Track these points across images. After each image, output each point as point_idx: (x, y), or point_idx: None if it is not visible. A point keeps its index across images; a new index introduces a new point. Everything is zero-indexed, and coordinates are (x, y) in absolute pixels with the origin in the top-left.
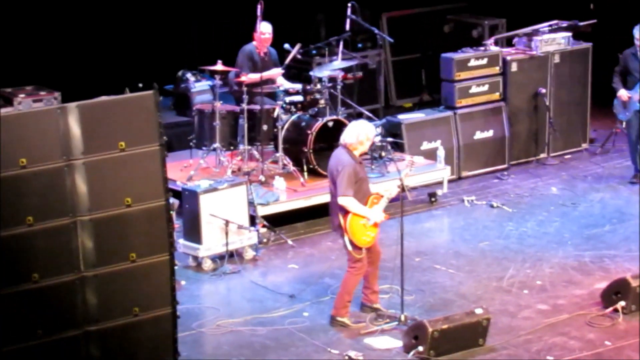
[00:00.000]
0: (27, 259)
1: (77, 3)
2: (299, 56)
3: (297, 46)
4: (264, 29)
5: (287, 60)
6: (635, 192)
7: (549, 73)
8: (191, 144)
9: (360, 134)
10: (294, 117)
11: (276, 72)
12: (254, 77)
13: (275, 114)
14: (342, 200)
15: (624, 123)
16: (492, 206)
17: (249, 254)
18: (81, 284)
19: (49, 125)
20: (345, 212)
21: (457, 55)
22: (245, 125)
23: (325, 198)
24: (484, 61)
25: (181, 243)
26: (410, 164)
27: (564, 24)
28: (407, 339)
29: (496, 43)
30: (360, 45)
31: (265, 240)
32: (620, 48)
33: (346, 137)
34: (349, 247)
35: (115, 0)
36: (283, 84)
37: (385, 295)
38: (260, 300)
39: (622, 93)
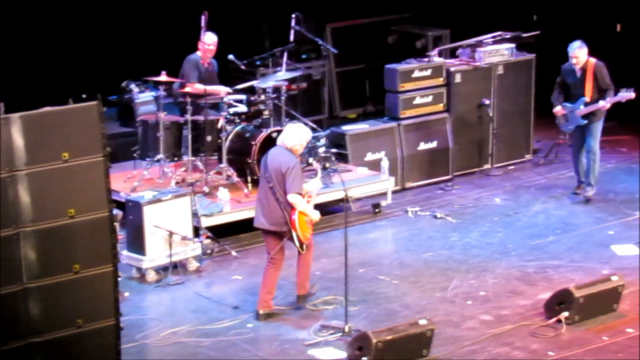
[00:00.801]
0: None
1: (19, 13)
2: (242, 67)
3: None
4: (209, 40)
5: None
6: (578, 203)
7: (493, 84)
8: (135, 154)
9: (303, 139)
10: (238, 128)
11: (222, 90)
12: (199, 88)
13: (220, 125)
14: (294, 198)
15: (567, 135)
16: (436, 217)
17: (193, 265)
18: (24, 295)
19: None
20: (292, 209)
21: (401, 66)
22: (190, 136)
23: None
24: (428, 72)
25: (125, 254)
26: None
27: (508, 35)
28: (351, 350)
29: (440, 54)
30: (304, 56)
31: (209, 251)
32: (563, 59)
33: (288, 140)
34: (297, 243)
35: (58, 10)
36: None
37: (329, 306)
38: (204, 311)
39: (558, 110)
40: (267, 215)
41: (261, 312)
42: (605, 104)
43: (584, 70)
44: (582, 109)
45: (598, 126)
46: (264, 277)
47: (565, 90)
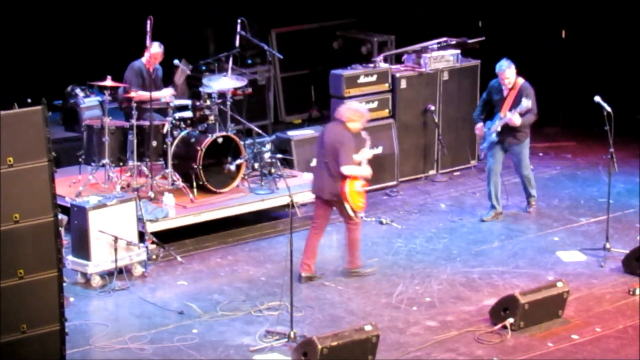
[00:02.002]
0: None
1: None
2: (188, 72)
3: (182, 63)
4: (155, 50)
5: (178, 79)
6: (523, 209)
7: (438, 90)
8: (80, 159)
9: (358, 113)
10: (183, 133)
11: (167, 93)
12: (143, 95)
13: (165, 130)
14: (347, 169)
15: (482, 153)
16: (381, 223)
17: (138, 270)
18: None
19: None
20: (343, 182)
21: (347, 72)
22: (135, 141)
23: (214, 214)
24: (374, 78)
25: (70, 259)
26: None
27: (453, 41)
28: (296, 355)
29: (385, 60)
30: (249, 61)
31: (154, 256)
32: None
33: (343, 113)
34: (350, 213)
35: (2, 14)
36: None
37: (274, 312)
38: (149, 316)
39: (479, 127)
40: (324, 186)
41: (303, 274)
42: (511, 117)
43: (509, 89)
44: (495, 125)
45: (523, 150)
46: (307, 242)
47: (489, 109)
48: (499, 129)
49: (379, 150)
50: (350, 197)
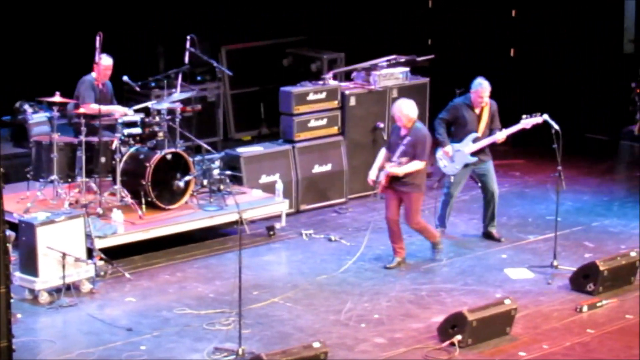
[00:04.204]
0: None
1: None
2: (137, 88)
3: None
4: (106, 62)
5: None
6: (472, 227)
7: (387, 107)
8: (28, 175)
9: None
10: (132, 149)
11: (119, 110)
12: (94, 108)
13: (114, 146)
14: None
15: (452, 177)
16: (330, 240)
17: (86, 286)
18: None
19: None
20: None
21: (296, 89)
22: (83, 157)
23: (163, 231)
24: (323, 95)
25: (17, 276)
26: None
27: (402, 58)
28: None
29: (335, 77)
30: (199, 77)
31: (102, 273)
32: (457, 82)
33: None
34: None
35: None
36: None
37: (223, 328)
38: (97, 333)
39: (449, 149)
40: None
41: (399, 259)
42: (503, 136)
43: (481, 107)
44: (472, 145)
45: (492, 166)
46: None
47: (454, 128)
48: (477, 148)
49: (327, 167)
50: None
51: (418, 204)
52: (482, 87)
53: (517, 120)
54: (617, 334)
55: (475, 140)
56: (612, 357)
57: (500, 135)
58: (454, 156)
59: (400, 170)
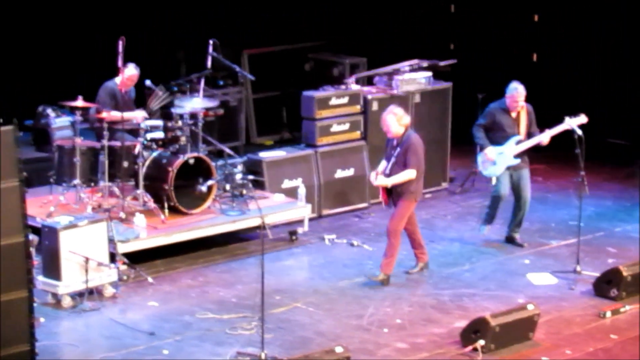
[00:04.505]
0: None
1: None
2: (159, 92)
3: (159, 90)
4: (130, 72)
5: (155, 104)
6: (493, 232)
7: (410, 112)
8: (51, 180)
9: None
10: (154, 154)
11: (139, 114)
12: (115, 115)
13: (136, 151)
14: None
15: (494, 179)
16: (352, 244)
17: (109, 291)
18: None
19: None
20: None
21: (318, 94)
22: (106, 162)
23: (185, 236)
24: (345, 100)
25: (40, 280)
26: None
27: (425, 63)
28: None
29: (357, 82)
30: (221, 82)
31: (125, 277)
32: (479, 88)
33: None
34: None
35: None
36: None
37: (244, 332)
38: (119, 337)
39: (490, 151)
40: None
41: (422, 264)
42: (548, 137)
43: (517, 111)
44: (516, 147)
45: (528, 173)
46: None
47: (492, 133)
48: (520, 150)
49: (350, 172)
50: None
51: (405, 211)
52: (517, 91)
53: (541, 124)
54: None
55: (518, 143)
56: None
57: (545, 137)
58: (497, 159)
59: (388, 181)
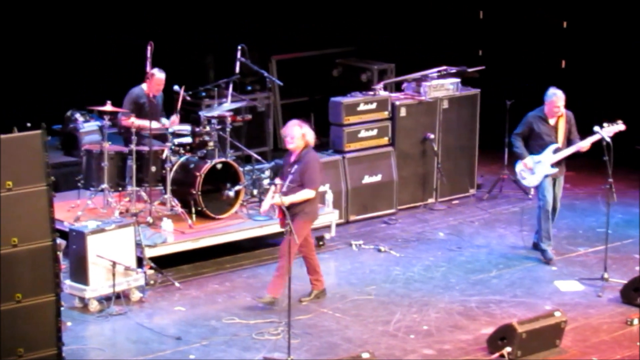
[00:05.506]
0: None
1: None
2: (188, 98)
3: (182, 90)
4: (158, 77)
5: (178, 106)
6: (521, 239)
7: (438, 118)
8: (79, 184)
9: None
10: (182, 158)
11: (172, 121)
12: (142, 124)
13: (164, 155)
14: None
15: (532, 189)
16: (379, 250)
17: (136, 295)
18: None
19: None
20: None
21: (346, 99)
22: (134, 166)
23: (212, 240)
24: (373, 105)
25: (67, 284)
26: None
27: (453, 69)
28: None
29: (385, 88)
30: (249, 87)
31: (152, 281)
32: (508, 94)
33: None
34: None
35: (2, 39)
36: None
37: (271, 337)
38: (146, 342)
39: (528, 161)
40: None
41: (316, 292)
42: (587, 145)
43: (556, 118)
44: (553, 156)
45: (562, 183)
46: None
47: (525, 142)
48: (558, 159)
49: (377, 178)
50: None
51: (300, 233)
52: (556, 96)
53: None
54: None
55: (556, 151)
56: None
57: (584, 144)
58: (535, 168)
59: (286, 200)
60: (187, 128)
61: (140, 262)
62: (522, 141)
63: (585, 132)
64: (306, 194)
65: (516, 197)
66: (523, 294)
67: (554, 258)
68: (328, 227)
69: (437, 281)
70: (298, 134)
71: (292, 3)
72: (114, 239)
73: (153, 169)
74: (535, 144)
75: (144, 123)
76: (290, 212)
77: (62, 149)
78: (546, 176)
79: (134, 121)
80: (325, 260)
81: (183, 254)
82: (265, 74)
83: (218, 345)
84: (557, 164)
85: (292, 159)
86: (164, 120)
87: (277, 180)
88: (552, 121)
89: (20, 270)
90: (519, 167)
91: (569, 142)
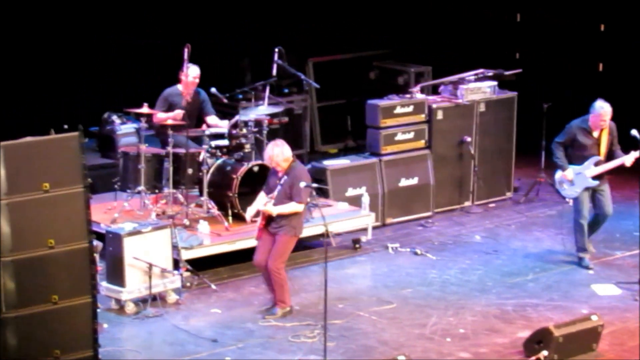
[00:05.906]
0: None
1: (1, 43)
2: (224, 100)
3: (224, 97)
4: (192, 73)
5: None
6: (558, 242)
7: (474, 121)
8: (115, 186)
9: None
10: (219, 161)
11: (177, 113)
12: (161, 117)
13: (201, 158)
14: None
15: (571, 201)
16: (415, 253)
17: (172, 297)
18: (1, 325)
19: None
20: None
21: (383, 102)
22: (170, 169)
23: (249, 243)
24: (410, 108)
25: (104, 285)
26: None
27: (490, 72)
28: None
29: (422, 90)
30: (286, 90)
31: (188, 284)
32: (545, 97)
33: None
34: None
35: (41, 40)
36: (217, 123)
37: (307, 340)
38: (182, 344)
39: (568, 173)
40: None
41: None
42: (632, 160)
43: (600, 130)
44: (594, 169)
45: (609, 188)
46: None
47: (571, 151)
48: (600, 172)
49: (414, 180)
50: None
51: (286, 247)
52: (604, 110)
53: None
54: None
55: (597, 164)
56: None
57: (629, 159)
58: (574, 179)
59: (275, 210)
60: (224, 131)
61: (176, 264)
62: (563, 151)
63: (623, 136)
64: (294, 207)
65: (553, 200)
66: (560, 297)
67: (590, 265)
68: (364, 229)
69: (473, 284)
70: (280, 158)
71: (329, 5)
72: (150, 241)
73: (190, 171)
74: (577, 154)
75: (165, 116)
76: (276, 224)
77: (99, 150)
78: (586, 188)
79: (159, 115)
80: (361, 263)
81: (219, 256)
82: (302, 77)
83: (254, 347)
84: (598, 177)
85: (280, 174)
86: (214, 118)
87: (261, 194)
88: (595, 133)
89: (56, 272)
90: (558, 177)
91: (610, 153)
